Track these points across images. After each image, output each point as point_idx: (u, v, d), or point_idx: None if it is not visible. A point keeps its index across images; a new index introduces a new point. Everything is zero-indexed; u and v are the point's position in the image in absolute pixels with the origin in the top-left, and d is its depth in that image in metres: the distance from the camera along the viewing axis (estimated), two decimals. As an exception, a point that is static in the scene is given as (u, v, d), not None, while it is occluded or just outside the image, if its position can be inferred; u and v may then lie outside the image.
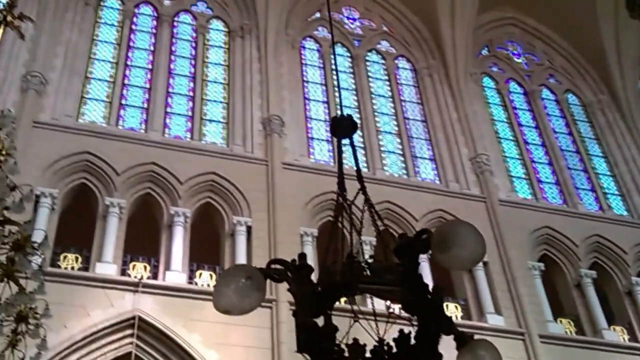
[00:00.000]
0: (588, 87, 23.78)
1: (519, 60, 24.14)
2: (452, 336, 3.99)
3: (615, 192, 20.95)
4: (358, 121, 20.14)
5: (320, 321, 3.98)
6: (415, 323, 3.92)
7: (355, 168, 4.99)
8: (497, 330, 15.66)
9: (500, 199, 18.62)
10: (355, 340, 4.04)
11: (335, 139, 5.19)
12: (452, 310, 16.20)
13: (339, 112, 5.54)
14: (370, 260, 4.10)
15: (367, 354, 3.95)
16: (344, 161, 5.01)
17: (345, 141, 5.06)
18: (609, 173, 21.48)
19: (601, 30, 23.58)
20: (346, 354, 3.95)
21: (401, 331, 3.97)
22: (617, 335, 17.05)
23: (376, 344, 4.01)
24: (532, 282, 17.07)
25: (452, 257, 3.91)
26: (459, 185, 18.78)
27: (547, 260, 18.07)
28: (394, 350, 3.95)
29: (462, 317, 16.09)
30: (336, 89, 20.73)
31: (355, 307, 4.41)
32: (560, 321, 16.88)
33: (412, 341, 3.91)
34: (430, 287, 4.01)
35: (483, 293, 16.44)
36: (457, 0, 22.33)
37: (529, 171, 20.52)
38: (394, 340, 3.96)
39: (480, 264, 16.90)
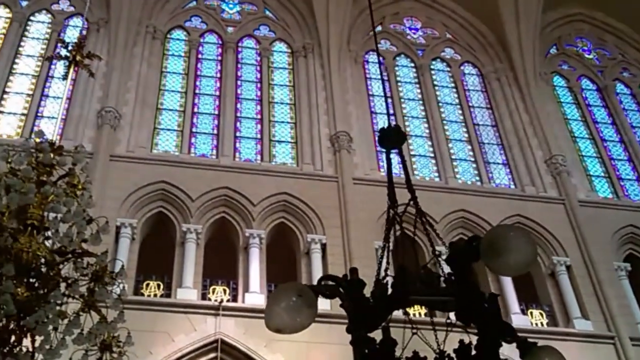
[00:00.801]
0: (665, 77, 22.91)
1: (590, 56, 23.49)
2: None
3: (703, 184, 20.04)
4: (426, 131, 20.16)
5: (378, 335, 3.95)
6: (475, 332, 3.85)
7: (404, 178, 4.89)
8: (586, 335, 15.20)
9: (580, 200, 18.10)
10: (415, 352, 4.00)
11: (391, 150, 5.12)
12: (537, 317, 15.81)
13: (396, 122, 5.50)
14: (421, 271, 4.05)
15: None
16: (412, 174, 4.95)
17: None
18: (694, 165, 20.57)
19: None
20: None
21: (461, 341, 3.91)
22: None
23: (436, 355, 3.96)
24: (618, 283, 16.48)
25: (501, 264, 3.81)
26: (536, 189, 18.36)
27: (634, 260, 17.43)
28: None
29: (547, 324, 15.68)
30: (402, 99, 20.68)
31: (413, 318, 4.36)
32: (652, 322, 16.21)
33: (473, 351, 3.84)
34: (487, 294, 3.92)
35: (568, 298, 15.97)
36: (521, 1, 21.93)
37: (608, 169, 19.88)
38: (455, 350, 3.90)
39: (564, 267, 16.48)
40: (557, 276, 16.45)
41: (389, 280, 4.12)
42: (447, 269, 4.05)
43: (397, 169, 15.97)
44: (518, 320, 15.27)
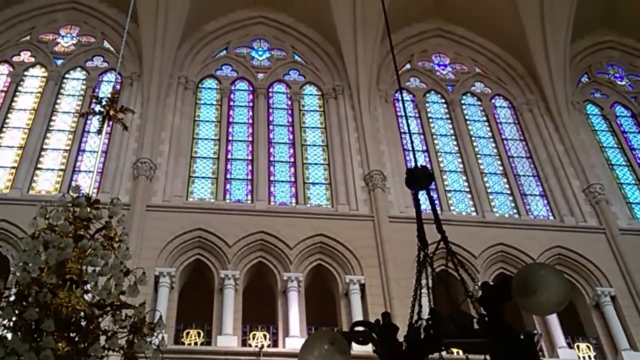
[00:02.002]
0: (701, 99, 22.57)
1: (622, 83, 23.29)
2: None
3: None
4: (460, 165, 20.07)
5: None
6: None
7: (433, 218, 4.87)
8: (636, 367, 14.77)
9: (621, 228, 17.78)
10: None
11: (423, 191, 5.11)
12: (584, 350, 15.43)
13: (426, 161, 5.50)
14: (454, 313, 4.01)
15: None
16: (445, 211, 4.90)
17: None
18: None
19: None
20: None
21: None
22: None
23: None
24: (668, 312, 16.04)
25: (534, 302, 3.75)
26: (575, 219, 18.09)
27: (681, 288, 16.96)
28: None
29: (595, 357, 15.29)
30: (435, 135, 20.67)
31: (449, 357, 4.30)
32: None
33: None
34: (522, 335, 3.86)
35: (615, 329, 15.58)
36: (549, 31, 21.90)
37: (648, 195, 19.53)
38: None
39: (609, 298, 16.13)
40: (602, 307, 16.09)
41: (423, 323, 4.08)
42: (481, 310, 4.00)
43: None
44: (565, 354, 14.94)
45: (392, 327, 4.04)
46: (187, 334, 14.74)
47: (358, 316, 15.08)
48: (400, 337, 4.03)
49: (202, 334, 14.76)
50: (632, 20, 23.52)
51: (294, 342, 14.46)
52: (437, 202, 18.36)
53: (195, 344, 14.53)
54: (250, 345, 14.53)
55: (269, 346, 14.54)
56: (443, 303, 4.26)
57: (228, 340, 14.35)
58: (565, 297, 3.77)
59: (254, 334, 14.90)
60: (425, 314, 4.09)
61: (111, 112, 9.23)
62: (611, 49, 23.97)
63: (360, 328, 4.11)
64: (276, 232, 16.49)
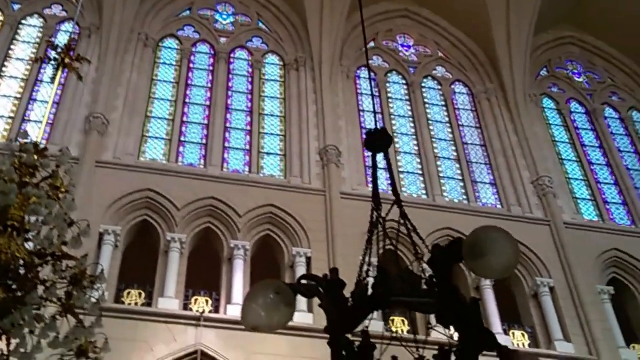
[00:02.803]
0: (654, 103, 23.10)
1: (580, 80, 23.65)
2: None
3: (687, 211, 20.14)
4: (415, 148, 20.19)
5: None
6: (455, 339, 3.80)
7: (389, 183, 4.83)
8: (567, 358, 15.21)
9: (566, 222, 18.13)
10: (394, 357, 3.97)
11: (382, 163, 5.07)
12: (519, 337, 15.77)
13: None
14: (403, 273, 4.00)
15: None
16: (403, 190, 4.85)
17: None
18: (679, 192, 20.69)
19: (665, 45, 22.95)
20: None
21: (441, 348, 3.87)
22: (696, 360, 16.26)
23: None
24: (601, 307, 16.48)
25: (484, 265, 3.75)
26: (522, 209, 18.40)
27: (617, 284, 17.45)
28: None
29: (529, 345, 15.64)
30: (393, 116, 20.71)
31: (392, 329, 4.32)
32: (634, 347, 16.21)
33: (453, 358, 3.79)
34: (468, 299, 3.88)
35: (551, 319, 15.94)
36: (513, 23, 22.06)
37: (595, 192, 19.95)
38: (434, 356, 3.86)
39: (547, 289, 16.47)
40: (540, 297, 16.44)
41: (370, 281, 4.07)
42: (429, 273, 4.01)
43: (385, 185, 15.82)
44: (500, 340, 15.12)
45: (339, 283, 4.01)
46: (128, 294, 14.56)
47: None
48: (348, 296, 4.01)
49: (143, 295, 14.60)
50: (594, 19, 23.84)
51: (236, 309, 14.41)
52: (389, 183, 18.44)
53: (136, 304, 14.38)
54: (191, 310, 14.44)
55: (210, 312, 14.48)
56: (393, 266, 4.23)
57: (169, 303, 14.23)
58: (514, 261, 3.77)
59: (196, 299, 14.81)
60: (375, 274, 4.07)
61: (66, 60, 8.96)
62: (572, 45, 24.30)
63: (307, 282, 4.07)
64: (227, 199, 16.36)
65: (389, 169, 4.99)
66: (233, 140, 18.58)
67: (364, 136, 4.96)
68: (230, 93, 19.80)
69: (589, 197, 19.82)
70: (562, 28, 24.18)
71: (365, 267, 4.23)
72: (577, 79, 23.65)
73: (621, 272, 17.73)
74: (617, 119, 22.75)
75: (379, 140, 4.86)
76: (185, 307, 14.55)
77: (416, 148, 19.98)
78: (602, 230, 18.42)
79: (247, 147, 18.48)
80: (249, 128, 19.03)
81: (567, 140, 21.48)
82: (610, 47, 24.18)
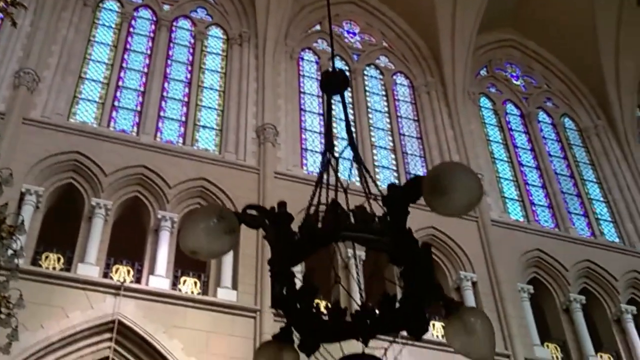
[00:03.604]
0: (585, 112, 23.72)
1: (517, 83, 24.10)
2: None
3: (608, 218, 20.81)
4: (353, 134, 20.06)
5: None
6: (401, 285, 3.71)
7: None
8: (483, 351, 15.41)
9: (493, 219, 18.44)
10: (336, 302, 3.85)
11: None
12: (439, 329, 15.94)
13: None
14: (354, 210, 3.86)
15: (348, 318, 3.75)
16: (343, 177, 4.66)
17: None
18: (602, 199, 21.34)
19: (601, 56, 23.56)
20: (325, 317, 3.75)
21: (386, 294, 3.77)
22: (604, 362, 16.84)
23: (359, 306, 3.81)
24: (520, 304, 16.85)
25: (444, 203, 3.56)
26: (452, 204, 18.58)
27: (537, 283, 17.88)
28: (377, 313, 3.75)
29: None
30: (333, 101, 20.57)
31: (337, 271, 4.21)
32: (547, 345, 16.65)
33: (397, 304, 3.71)
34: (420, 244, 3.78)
35: (471, 313, 16.16)
36: (458, 19, 22.28)
37: (522, 193, 20.37)
38: (378, 303, 3.75)
39: (470, 283, 16.71)
40: (462, 291, 16.70)
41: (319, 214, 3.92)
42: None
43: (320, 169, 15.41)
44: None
45: (287, 216, 3.85)
46: (47, 257, 14.06)
47: (228, 267, 14.90)
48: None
49: (62, 260, 14.12)
50: (537, 25, 24.34)
51: (158, 281, 14.15)
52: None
53: (54, 268, 13.89)
54: (111, 279, 14.05)
55: (131, 282, 14.12)
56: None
57: (89, 269, 13.79)
58: (477, 198, 3.58)
59: (118, 268, 14.41)
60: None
61: (1, 4, 8.53)
62: (513, 48, 24.73)
63: (253, 213, 3.88)
64: (158, 169, 15.97)
65: (345, 111, 4.84)
66: (169, 110, 18.15)
67: (320, 77, 4.79)
68: (169, 62, 19.32)
69: (516, 198, 20.22)
70: (506, 30, 24.58)
71: (322, 210, 4.05)
72: (514, 82, 24.08)
73: (542, 273, 18.17)
74: (549, 124, 23.28)
75: (334, 79, 4.70)
76: (106, 275, 14.14)
77: (353, 135, 19.89)
78: (526, 230, 18.83)
79: (183, 118, 18.08)
80: (186, 99, 18.62)
81: (500, 141, 21.85)
82: (549, 53, 24.71)
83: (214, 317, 13.83)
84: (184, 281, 14.76)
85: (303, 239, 3.79)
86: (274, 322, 14.15)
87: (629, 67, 23.55)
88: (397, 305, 3.65)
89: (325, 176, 4.26)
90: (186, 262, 15.15)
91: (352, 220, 3.79)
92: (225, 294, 14.31)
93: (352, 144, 4.41)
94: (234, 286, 14.57)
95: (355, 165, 4.37)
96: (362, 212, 3.80)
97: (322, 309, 3.76)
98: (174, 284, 14.62)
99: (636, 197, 21.16)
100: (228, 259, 14.99)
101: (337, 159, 4.39)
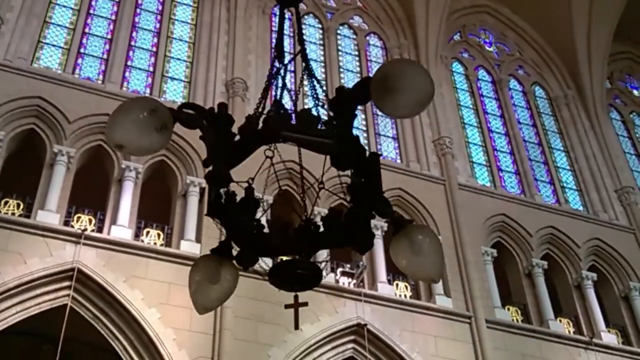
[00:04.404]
0: (556, 81, 23.77)
1: (490, 49, 24.02)
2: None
3: (574, 186, 20.99)
4: (323, 94, 19.83)
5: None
6: (348, 201, 3.60)
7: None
8: (445, 312, 15.55)
9: (460, 183, 18.47)
10: (280, 216, 3.73)
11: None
12: (402, 289, 16.01)
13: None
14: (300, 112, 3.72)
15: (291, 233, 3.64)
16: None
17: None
18: (568, 167, 21.50)
19: (574, 26, 23.55)
20: (266, 231, 3.63)
21: (331, 209, 3.65)
22: (562, 326, 17.05)
23: (302, 221, 3.69)
24: (483, 267, 16.96)
25: (395, 101, 3.37)
26: (420, 166, 18.58)
27: (500, 248, 18.00)
28: (322, 229, 3.63)
29: (410, 297, 15.92)
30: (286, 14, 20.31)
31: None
32: (508, 308, 16.81)
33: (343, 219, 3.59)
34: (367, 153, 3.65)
35: (434, 274, 16.23)
36: (434, -18, 22.04)
37: (490, 159, 20.41)
38: (323, 218, 3.64)
39: (434, 245, 16.71)
40: (427, 252, 16.70)
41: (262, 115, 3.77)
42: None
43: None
44: (383, 288, 15.44)
45: (228, 118, 3.68)
46: (6, 203, 13.73)
47: (192, 219, 14.71)
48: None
49: (21, 206, 13.81)
50: (512, -8, 24.24)
51: (120, 231, 13.92)
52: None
53: (13, 214, 13.57)
54: (72, 227, 13.78)
55: (92, 231, 13.87)
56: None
57: (49, 217, 13.49)
58: (427, 95, 3.37)
59: (79, 217, 14.14)
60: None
61: None
62: (487, 15, 24.60)
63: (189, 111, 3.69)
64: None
65: (298, 24, 4.65)
66: (136, 60, 17.72)
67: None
68: (138, 11, 18.83)
69: (484, 163, 20.25)
70: (481, -4, 24.44)
71: (266, 110, 3.89)
72: (487, 48, 24.00)
73: (506, 237, 18.29)
74: (520, 91, 23.30)
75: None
76: (67, 223, 13.86)
77: (323, 95, 19.66)
78: (492, 195, 18.89)
79: (151, 68, 17.67)
80: (154, 50, 18.19)
81: (471, 106, 21.81)
82: (523, 21, 24.65)
83: (177, 269, 13.65)
84: (147, 232, 14.55)
85: (242, 138, 3.63)
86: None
87: (601, 38, 23.59)
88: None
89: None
90: (150, 214, 14.95)
91: (293, 120, 3.65)
92: (188, 247, 14.13)
93: (303, 53, 4.21)
94: (198, 239, 14.39)
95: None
96: (306, 113, 3.64)
97: (264, 223, 3.63)
98: (137, 235, 14.40)
99: (602, 167, 21.35)
100: (192, 212, 14.80)
101: (285, 66, 4.17)
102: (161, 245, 14.34)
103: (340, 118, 3.59)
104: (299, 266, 3.57)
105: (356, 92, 3.57)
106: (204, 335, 13.05)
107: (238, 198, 3.65)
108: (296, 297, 4.12)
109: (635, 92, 25.81)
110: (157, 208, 15.28)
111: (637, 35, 25.50)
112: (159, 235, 14.59)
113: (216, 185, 3.53)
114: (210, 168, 3.59)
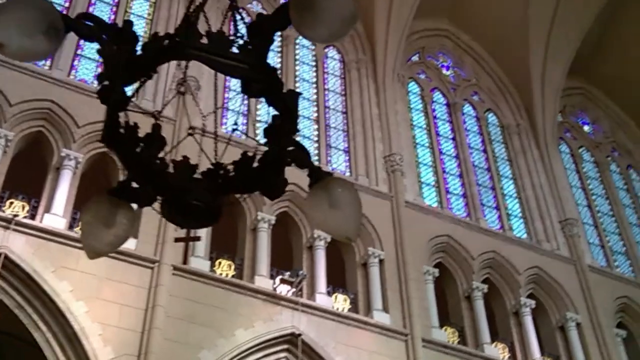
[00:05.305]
0: (509, 110, 24.01)
1: (447, 73, 24.18)
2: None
3: (519, 214, 21.12)
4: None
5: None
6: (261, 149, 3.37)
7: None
8: (382, 327, 15.38)
9: (407, 201, 18.40)
10: (185, 157, 3.46)
11: None
12: (341, 301, 15.78)
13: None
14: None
15: (197, 175, 3.38)
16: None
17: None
18: (515, 195, 21.65)
19: (530, 58, 23.85)
20: (171, 170, 3.36)
21: (244, 153, 3.41)
22: (497, 351, 17.02)
23: (211, 165, 3.44)
24: (424, 286, 16.86)
25: (314, 21, 3.15)
26: (369, 180, 18.47)
27: (442, 268, 17.96)
28: (232, 174, 3.39)
29: (349, 310, 15.68)
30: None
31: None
32: (445, 329, 16.71)
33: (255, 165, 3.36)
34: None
35: (374, 289, 16.09)
36: (395, 2, 22.07)
37: (439, 180, 20.42)
38: (234, 162, 3.39)
39: (377, 260, 16.57)
40: (369, 267, 16.56)
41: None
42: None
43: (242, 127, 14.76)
44: (321, 299, 15.19)
45: (133, 36, 3.39)
46: None
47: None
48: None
49: (-51, 188, 13.21)
50: (472, 19, 24.46)
51: (54, 220, 13.43)
52: (245, 129, 17.95)
53: (-61, 194, 12.97)
54: (3, 212, 13.22)
55: (25, 217, 13.33)
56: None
57: (-22, 199, 12.93)
58: (353, 11, 3.16)
59: (12, 202, 13.58)
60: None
61: None
62: (447, 39, 24.79)
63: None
64: (68, 106, 15.18)
65: None
66: (86, 48, 17.26)
67: None
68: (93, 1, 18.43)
69: (433, 184, 20.25)
70: (442, 20, 24.64)
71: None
72: (444, 72, 24.16)
73: (448, 258, 18.25)
74: (473, 117, 23.47)
75: None
76: (-1, 208, 13.31)
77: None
78: (438, 216, 18.86)
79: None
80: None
81: (424, 126, 21.86)
82: (481, 48, 24.91)
83: (110, 263, 13.18)
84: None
85: (145, 55, 3.36)
86: (172, 275, 13.68)
87: (556, 73, 23.97)
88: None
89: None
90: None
91: (203, 39, 3.40)
92: (131, 244, 13.66)
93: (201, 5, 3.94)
94: (135, 234, 13.96)
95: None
96: (219, 34, 3.40)
97: (168, 162, 3.38)
98: (72, 225, 13.89)
99: (548, 197, 21.55)
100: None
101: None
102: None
103: (257, 43, 3.36)
104: (195, 197, 3.30)
105: (275, 17, 3.35)
106: (132, 332, 12.60)
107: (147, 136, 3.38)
108: (188, 231, 3.85)
109: (585, 127, 26.27)
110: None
111: (592, 72, 25.99)
112: (94, 227, 14.08)
113: (113, 105, 3.25)
114: (106, 83, 3.30)
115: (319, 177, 3.36)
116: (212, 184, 3.33)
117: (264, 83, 3.30)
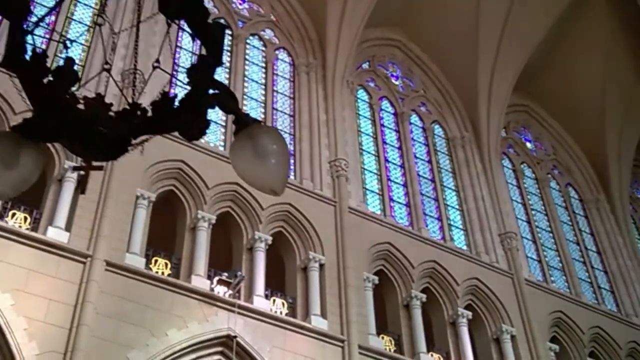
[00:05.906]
0: (455, 122, 24.21)
1: (396, 82, 24.26)
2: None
3: (460, 225, 21.25)
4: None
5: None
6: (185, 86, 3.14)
7: None
8: (319, 332, 15.19)
9: (350, 207, 18.30)
10: (100, 95, 3.19)
11: None
12: (279, 305, 15.55)
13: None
14: None
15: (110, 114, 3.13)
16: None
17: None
18: (457, 207, 21.79)
19: (478, 74, 24.14)
20: (81, 107, 3.09)
21: (164, 93, 3.17)
22: (433, 361, 17.02)
23: (128, 106, 3.19)
24: (363, 293, 16.74)
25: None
26: (313, 184, 18.31)
27: (382, 276, 17.88)
28: (149, 114, 3.14)
29: (287, 314, 15.46)
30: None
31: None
32: (383, 337, 16.63)
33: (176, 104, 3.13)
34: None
35: (313, 294, 15.90)
36: (349, 8, 22.06)
37: (383, 188, 20.41)
38: (153, 102, 3.15)
39: (318, 265, 16.40)
40: (309, 271, 16.37)
41: None
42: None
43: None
44: (259, 302, 14.93)
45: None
46: None
47: (65, 206, 13.79)
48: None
49: None
50: (423, 31, 24.64)
51: (-17, 208, 12.83)
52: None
53: None
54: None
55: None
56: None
57: None
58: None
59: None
60: None
61: None
62: (397, 49, 24.90)
63: None
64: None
65: None
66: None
67: None
68: (40, -15, 17.83)
69: (377, 191, 20.21)
70: (394, 30, 24.75)
71: None
72: (394, 81, 24.23)
73: (388, 266, 18.19)
74: (420, 127, 23.57)
75: None
76: None
77: None
78: (381, 223, 18.81)
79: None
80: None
81: (371, 134, 21.85)
82: (430, 61, 25.09)
83: (40, 256, 12.72)
84: (13, 214, 13.52)
85: None
86: (105, 271, 13.24)
87: (502, 89, 24.29)
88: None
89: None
90: (20, 196, 13.86)
91: None
92: (55, 234, 13.21)
93: None
94: (68, 227, 13.49)
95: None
96: None
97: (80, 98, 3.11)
98: (2, 216, 13.34)
99: (489, 210, 21.74)
100: (66, 198, 13.89)
101: None
102: (27, 229, 13.32)
103: None
104: (102, 125, 3.05)
105: None
106: (59, 328, 12.11)
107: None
108: (90, 161, 3.57)
109: (528, 144, 26.69)
110: (28, 190, 14.18)
111: (537, 90, 26.44)
112: (25, 218, 13.59)
113: (18, 23, 2.96)
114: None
115: (246, 123, 3.14)
116: (127, 123, 3.08)
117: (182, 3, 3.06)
